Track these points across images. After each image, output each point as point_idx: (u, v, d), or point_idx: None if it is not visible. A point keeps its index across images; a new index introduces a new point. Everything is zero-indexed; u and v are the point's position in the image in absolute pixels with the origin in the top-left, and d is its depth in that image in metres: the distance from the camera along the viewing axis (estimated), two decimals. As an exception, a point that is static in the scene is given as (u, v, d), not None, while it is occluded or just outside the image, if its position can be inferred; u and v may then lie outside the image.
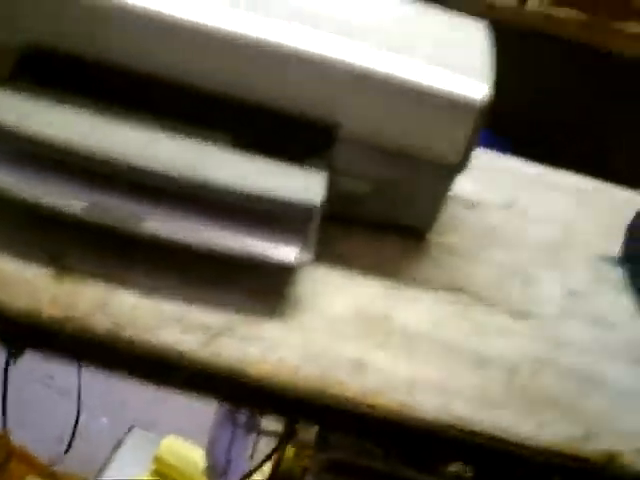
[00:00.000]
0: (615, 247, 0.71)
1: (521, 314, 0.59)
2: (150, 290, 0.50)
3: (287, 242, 0.52)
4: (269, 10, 0.58)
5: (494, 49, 0.64)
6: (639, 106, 1.85)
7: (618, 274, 0.68)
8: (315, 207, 0.53)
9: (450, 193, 0.70)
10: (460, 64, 0.60)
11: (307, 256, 0.52)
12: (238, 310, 0.51)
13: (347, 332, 0.52)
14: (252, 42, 0.56)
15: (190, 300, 0.50)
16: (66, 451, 1.25)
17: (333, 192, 0.56)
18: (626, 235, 0.71)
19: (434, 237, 0.65)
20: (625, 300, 0.65)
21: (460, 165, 0.61)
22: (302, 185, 0.54)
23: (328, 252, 0.57)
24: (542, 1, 1.45)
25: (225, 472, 1.07)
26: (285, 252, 0.51)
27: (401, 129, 0.59)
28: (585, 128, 1.96)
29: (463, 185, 0.67)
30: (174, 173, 0.51)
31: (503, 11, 1.50)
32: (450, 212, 0.69)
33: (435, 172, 0.61)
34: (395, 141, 0.59)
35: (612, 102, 1.94)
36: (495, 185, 0.75)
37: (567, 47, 1.61)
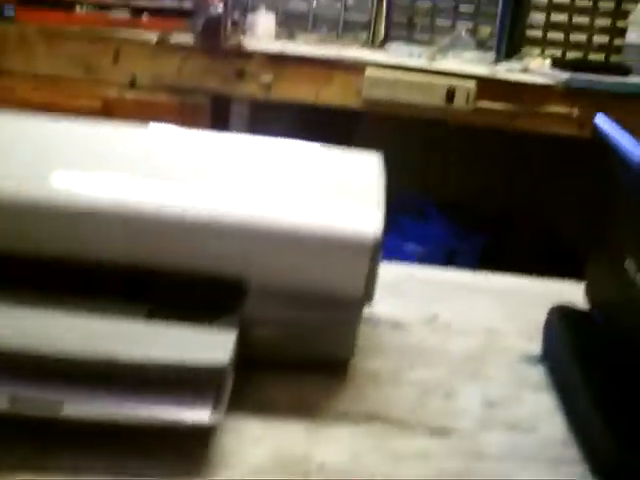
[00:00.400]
0: (537, 346, 0.74)
1: (439, 432, 0.62)
2: (73, 471, 0.53)
3: (200, 404, 0.56)
4: (159, 175, 0.64)
5: (385, 180, 0.69)
6: (568, 177, 1.93)
7: (539, 373, 0.72)
8: (224, 367, 0.57)
9: (374, 315, 0.74)
10: (351, 200, 0.65)
11: (221, 413, 0.56)
12: (160, 475, 0.54)
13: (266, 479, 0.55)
14: (150, 214, 0.61)
15: (113, 473, 0.54)
16: None
17: (247, 341, 0.61)
18: (543, 332, 0.75)
19: (356, 363, 0.68)
20: (545, 398, 0.68)
21: (366, 296, 0.65)
22: (211, 347, 0.58)
23: (247, 400, 0.61)
24: (468, 98, 1.52)
25: None
26: (199, 414, 0.55)
27: (304, 274, 0.63)
28: (527, 204, 2.03)
29: (386, 305, 0.71)
30: (85, 357, 0.56)
31: (432, 112, 1.56)
32: (374, 335, 0.73)
33: (343, 307, 0.65)
34: (300, 286, 0.63)
35: (546, 177, 2.02)
36: (417, 300, 0.79)
37: (495, 136, 1.68)
